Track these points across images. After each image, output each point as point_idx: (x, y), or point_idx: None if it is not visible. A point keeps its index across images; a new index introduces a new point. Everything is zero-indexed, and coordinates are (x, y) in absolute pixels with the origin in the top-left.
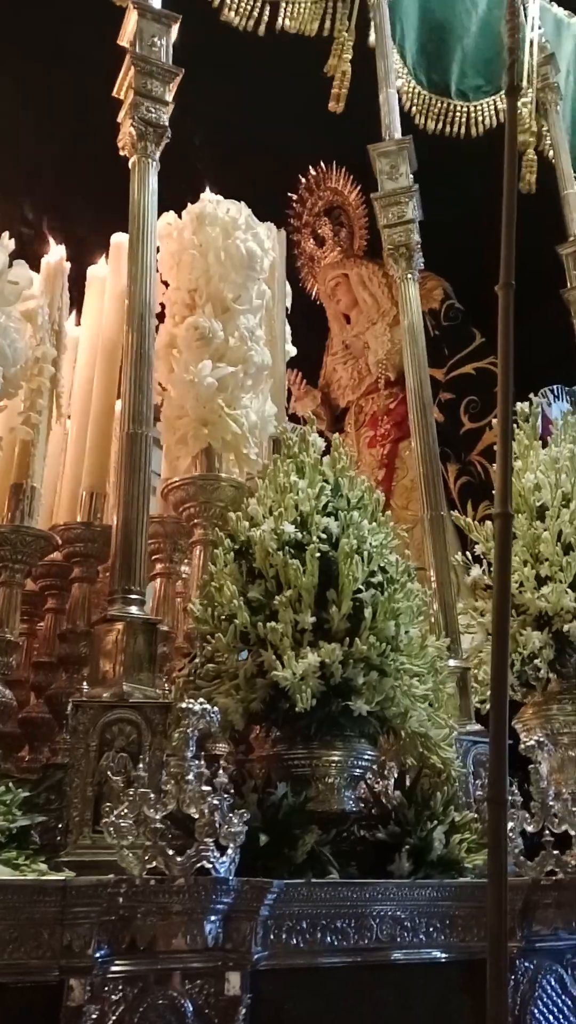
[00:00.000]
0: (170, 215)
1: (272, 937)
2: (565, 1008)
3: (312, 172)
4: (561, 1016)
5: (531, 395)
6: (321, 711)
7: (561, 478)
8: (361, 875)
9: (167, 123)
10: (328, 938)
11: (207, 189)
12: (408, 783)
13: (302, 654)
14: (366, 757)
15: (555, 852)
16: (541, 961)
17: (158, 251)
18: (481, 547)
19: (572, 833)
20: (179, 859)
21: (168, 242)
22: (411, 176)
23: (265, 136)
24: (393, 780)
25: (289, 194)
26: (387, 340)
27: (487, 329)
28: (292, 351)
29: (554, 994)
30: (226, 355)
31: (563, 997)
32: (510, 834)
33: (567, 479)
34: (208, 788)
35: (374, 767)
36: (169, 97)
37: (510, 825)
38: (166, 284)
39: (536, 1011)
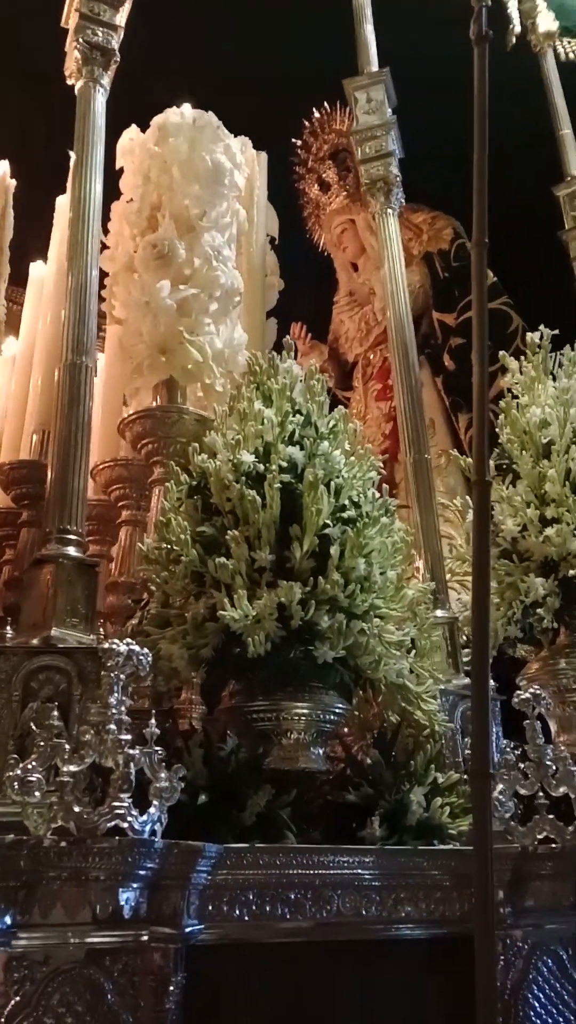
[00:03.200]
0: (132, 129)
1: (212, 908)
2: (565, 993)
3: (316, 114)
4: (560, 1003)
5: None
6: (279, 658)
7: (571, 412)
8: (328, 841)
9: (116, 47)
10: (279, 910)
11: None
12: (387, 741)
13: (258, 595)
14: (336, 711)
15: (550, 817)
16: (538, 940)
17: (121, 171)
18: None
19: (572, 796)
20: (86, 817)
21: (130, 159)
22: (389, 110)
23: (262, 70)
24: (372, 738)
25: (293, 140)
26: None
27: (499, 268)
28: (278, 284)
29: (552, 978)
30: (192, 278)
31: (562, 981)
32: (500, 797)
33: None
34: (127, 738)
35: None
36: (119, 21)
37: (499, 788)
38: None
39: (531, 996)
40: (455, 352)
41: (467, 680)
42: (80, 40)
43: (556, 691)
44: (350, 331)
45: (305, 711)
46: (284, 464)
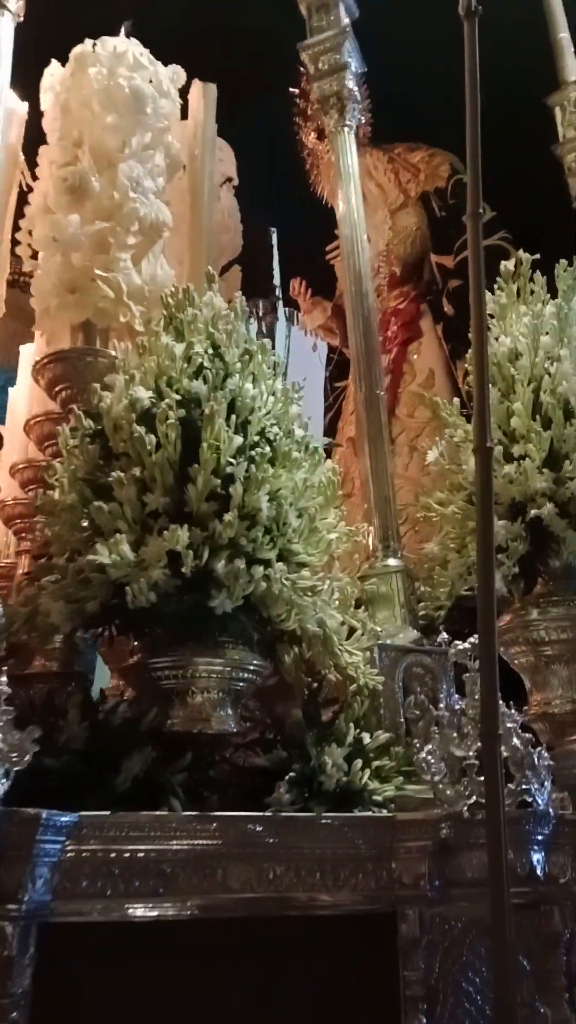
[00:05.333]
0: (54, 65)
1: (68, 884)
2: None
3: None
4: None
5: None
6: (174, 609)
7: (542, 340)
8: (235, 809)
9: None
10: (150, 885)
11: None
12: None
13: (149, 541)
14: (250, 668)
15: (479, 779)
16: (471, 919)
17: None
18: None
19: (505, 755)
20: None
21: (51, 95)
22: (345, 21)
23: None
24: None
25: (291, 89)
26: (387, 229)
27: (497, 202)
28: (235, 228)
29: (488, 962)
30: (113, 215)
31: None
32: (429, 757)
33: (551, 340)
34: None
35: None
36: None
37: (428, 748)
38: None
39: (464, 981)
40: (453, 295)
41: (415, 634)
42: None
43: (529, 645)
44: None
45: (211, 667)
46: (179, 399)
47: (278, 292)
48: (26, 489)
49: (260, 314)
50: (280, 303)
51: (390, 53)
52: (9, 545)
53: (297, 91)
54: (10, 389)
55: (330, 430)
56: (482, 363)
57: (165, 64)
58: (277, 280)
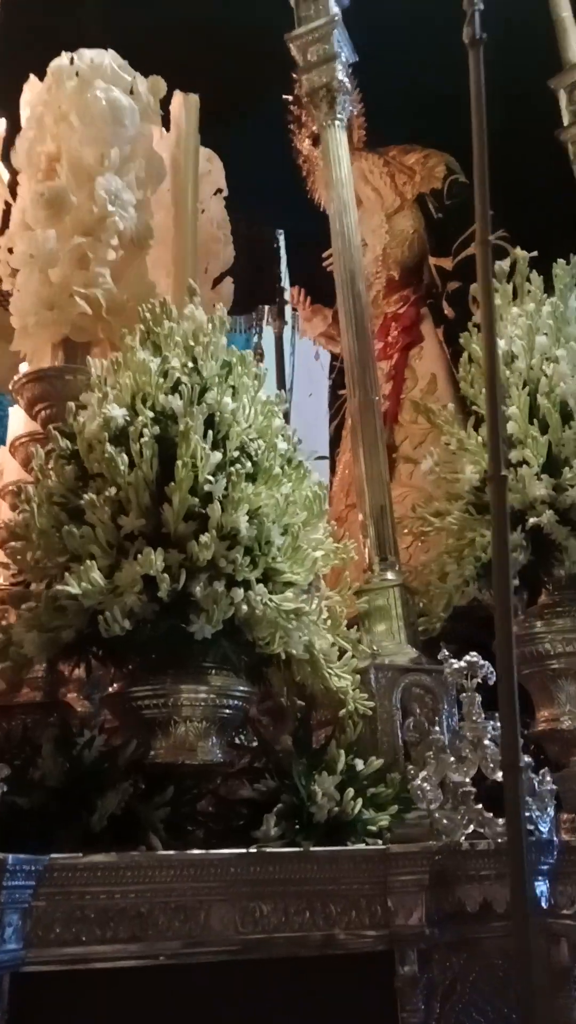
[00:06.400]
0: (32, 80)
1: (40, 931)
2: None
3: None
4: None
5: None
6: (152, 637)
7: (538, 340)
8: (221, 846)
9: None
10: (127, 931)
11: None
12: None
13: (123, 565)
14: (236, 694)
15: (478, 807)
16: (473, 954)
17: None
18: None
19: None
20: None
21: (28, 111)
22: (334, 9)
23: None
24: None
25: (284, 96)
26: (384, 232)
27: (494, 201)
28: (224, 239)
29: (492, 1001)
30: (92, 229)
31: (498, 1002)
32: (425, 784)
33: (548, 341)
34: None
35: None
36: None
37: (423, 774)
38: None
39: (467, 1021)
40: (453, 297)
41: (413, 652)
42: None
43: (534, 658)
44: None
45: (194, 695)
46: (153, 416)
47: (286, 296)
48: (34, 412)
49: (267, 321)
50: (288, 308)
51: (381, 51)
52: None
53: (291, 97)
54: (10, 409)
55: (335, 439)
56: (494, 389)
57: (160, 73)
58: (286, 283)
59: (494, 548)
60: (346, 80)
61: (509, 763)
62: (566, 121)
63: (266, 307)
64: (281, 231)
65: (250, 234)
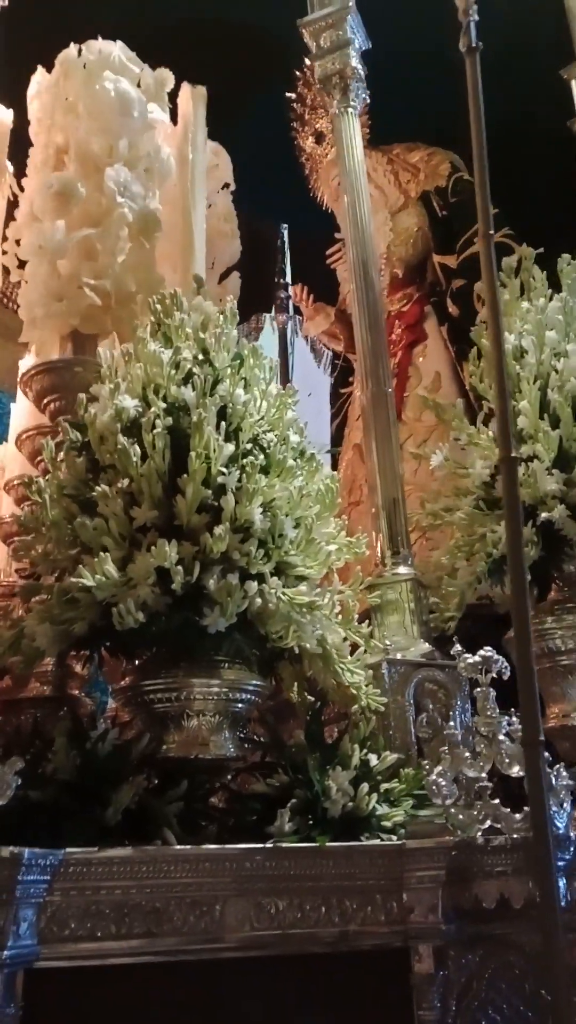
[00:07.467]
0: (39, 73)
1: (55, 927)
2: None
3: (308, 62)
4: None
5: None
6: (166, 629)
7: (548, 335)
8: (235, 841)
9: None
10: (142, 926)
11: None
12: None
13: (136, 557)
14: (249, 688)
15: (494, 802)
16: (490, 951)
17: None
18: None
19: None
20: None
21: (38, 103)
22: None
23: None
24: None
25: (287, 94)
26: (388, 230)
27: (499, 198)
28: (232, 233)
29: (512, 997)
30: (101, 220)
31: (522, 1000)
32: (439, 779)
33: (557, 336)
34: None
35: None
36: None
37: (438, 769)
38: None
39: (484, 1021)
40: (457, 295)
41: (426, 647)
42: None
43: (545, 654)
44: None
45: (207, 689)
46: (166, 407)
47: (290, 291)
48: (21, 505)
49: (267, 321)
50: (291, 303)
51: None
52: (11, 564)
53: (294, 95)
54: (12, 405)
55: (336, 437)
56: (502, 374)
57: (167, 66)
58: (289, 278)
59: (507, 525)
60: (360, 67)
61: (529, 740)
62: None
63: (265, 315)
64: (285, 226)
65: (252, 230)
